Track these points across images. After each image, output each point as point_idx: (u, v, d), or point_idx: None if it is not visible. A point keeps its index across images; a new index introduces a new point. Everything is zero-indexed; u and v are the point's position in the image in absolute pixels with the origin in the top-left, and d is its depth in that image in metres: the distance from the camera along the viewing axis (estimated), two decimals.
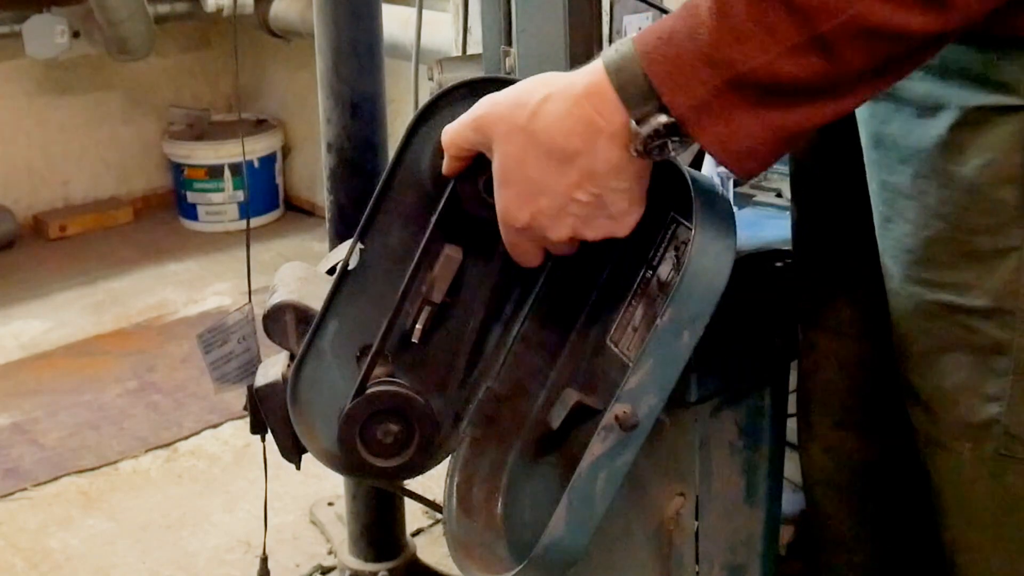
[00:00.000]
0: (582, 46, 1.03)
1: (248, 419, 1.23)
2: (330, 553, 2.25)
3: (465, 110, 0.94)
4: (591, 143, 0.86)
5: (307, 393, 1.06)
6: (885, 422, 1.17)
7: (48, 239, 4.11)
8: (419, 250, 1.01)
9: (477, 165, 0.97)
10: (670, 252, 0.99)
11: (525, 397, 1.07)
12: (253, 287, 1.68)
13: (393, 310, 1.02)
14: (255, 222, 4.11)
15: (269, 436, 1.16)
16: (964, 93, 0.91)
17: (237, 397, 1.36)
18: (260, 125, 4.29)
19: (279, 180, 4.31)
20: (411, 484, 1.24)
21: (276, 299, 1.12)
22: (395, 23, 2.37)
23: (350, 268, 1.05)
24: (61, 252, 4.02)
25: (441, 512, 1.09)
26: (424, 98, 1.02)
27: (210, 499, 2.50)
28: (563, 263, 1.01)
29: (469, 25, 1.97)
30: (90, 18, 3.64)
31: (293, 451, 1.14)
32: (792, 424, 1.30)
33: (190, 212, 4.21)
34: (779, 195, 1.44)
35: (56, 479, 2.58)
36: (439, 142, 0.98)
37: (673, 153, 0.85)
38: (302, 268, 1.20)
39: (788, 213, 1.25)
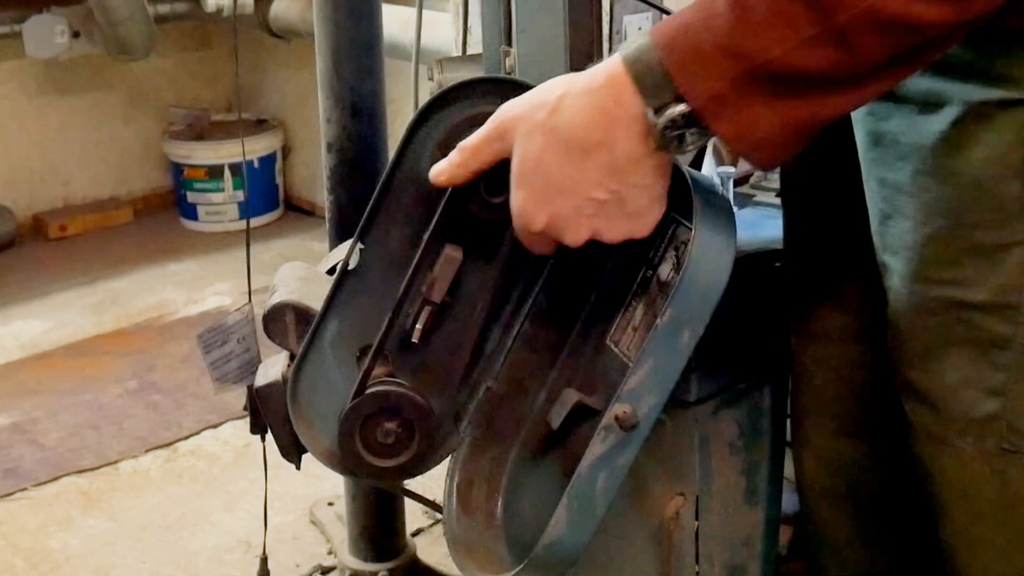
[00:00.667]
0: (582, 46, 1.03)
1: (248, 419, 1.23)
2: (330, 553, 2.25)
3: (465, 110, 0.94)
4: (610, 134, 0.86)
5: (307, 393, 1.06)
6: (878, 427, 1.17)
7: (48, 239, 4.11)
8: (419, 250, 1.01)
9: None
10: (670, 252, 0.99)
11: (525, 397, 1.07)
12: (253, 287, 1.68)
13: (393, 310, 1.02)
14: (255, 222, 4.10)
15: (269, 436, 1.17)
16: (967, 88, 0.91)
17: (237, 397, 1.36)
18: (260, 125, 4.28)
19: (279, 180, 4.31)
20: (411, 484, 1.24)
21: (276, 299, 1.12)
22: (395, 23, 2.37)
23: (350, 268, 1.05)
24: (61, 252, 4.02)
25: (441, 512, 1.09)
26: (424, 98, 1.02)
27: (210, 499, 2.50)
28: (563, 263, 1.01)
29: (469, 25, 1.97)
30: (90, 18, 3.64)
31: (293, 451, 1.14)
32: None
33: (190, 212, 4.21)
34: (779, 195, 1.44)
35: (56, 479, 2.58)
36: (439, 141, 0.98)
37: (691, 147, 0.85)
38: (302, 268, 1.20)
39: None
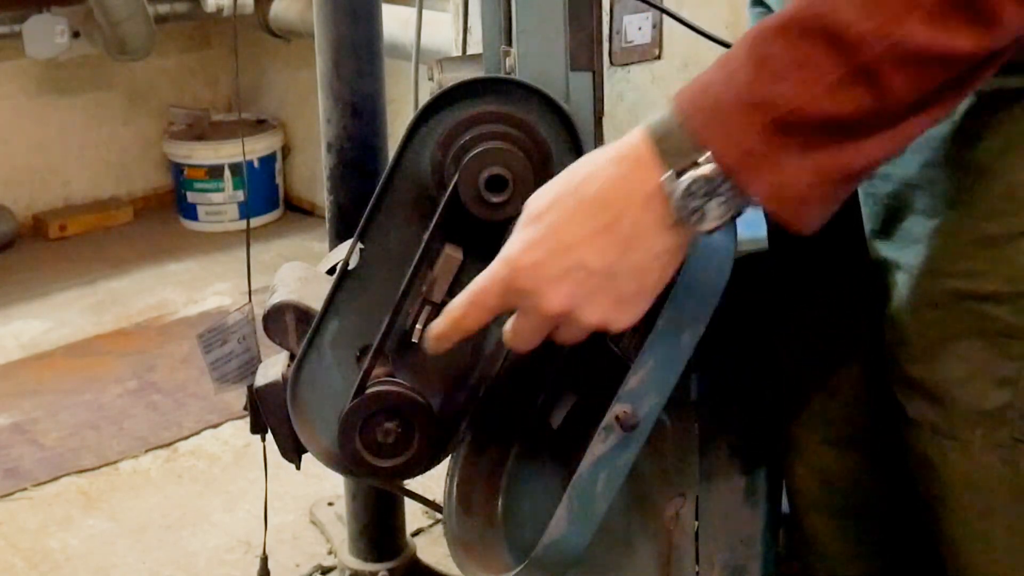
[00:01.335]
0: (582, 46, 1.03)
1: (248, 419, 1.23)
2: (330, 553, 2.25)
3: (465, 109, 0.93)
4: (625, 200, 0.81)
5: (307, 393, 1.06)
6: (868, 436, 1.17)
7: (48, 239, 4.11)
8: (419, 250, 1.01)
9: (479, 163, 0.97)
10: None
11: (525, 397, 1.07)
12: (253, 287, 1.68)
13: (393, 310, 1.02)
14: (255, 222, 4.11)
15: (269, 436, 1.17)
16: None
17: (237, 397, 1.36)
18: (260, 125, 4.29)
19: (279, 180, 4.31)
20: (411, 484, 1.24)
21: (276, 299, 1.12)
22: (395, 23, 2.37)
23: (350, 268, 1.05)
24: (61, 252, 4.02)
25: (441, 512, 1.09)
26: (424, 98, 1.02)
27: (210, 499, 2.50)
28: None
29: (469, 25, 1.97)
30: (90, 18, 3.64)
31: (293, 451, 1.14)
32: None
33: (190, 212, 4.21)
34: None
35: (56, 479, 2.58)
36: (440, 140, 0.98)
37: (712, 222, 0.80)
38: (302, 268, 1.20)
39: None
